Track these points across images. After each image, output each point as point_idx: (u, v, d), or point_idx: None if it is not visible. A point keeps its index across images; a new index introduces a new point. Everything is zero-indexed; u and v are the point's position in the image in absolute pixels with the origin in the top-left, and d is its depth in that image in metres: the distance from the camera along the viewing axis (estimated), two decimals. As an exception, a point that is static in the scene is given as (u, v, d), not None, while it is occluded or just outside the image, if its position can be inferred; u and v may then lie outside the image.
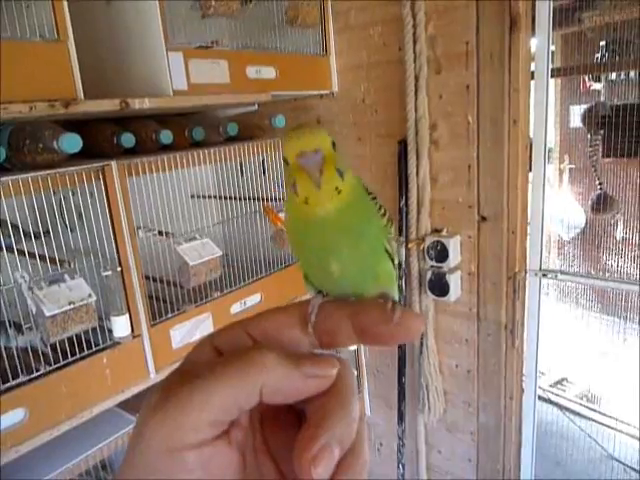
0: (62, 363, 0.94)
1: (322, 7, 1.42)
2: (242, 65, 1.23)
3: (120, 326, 1.01)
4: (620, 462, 2.12)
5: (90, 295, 0.93)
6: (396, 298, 0.34)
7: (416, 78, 1.30)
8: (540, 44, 1.21)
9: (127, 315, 1.02)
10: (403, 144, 1.39)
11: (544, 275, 1.30)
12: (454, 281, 1.38)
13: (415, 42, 1.28)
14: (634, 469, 2.05)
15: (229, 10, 1.17)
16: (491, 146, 1.26)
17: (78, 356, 0.96)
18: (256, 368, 0.24)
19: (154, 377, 1.09)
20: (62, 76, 0.89)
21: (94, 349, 0.98)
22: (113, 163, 0.98)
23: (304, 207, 0.30)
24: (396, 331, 0.29)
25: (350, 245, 0.32)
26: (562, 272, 1.30)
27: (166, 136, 1.17)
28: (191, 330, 1.16)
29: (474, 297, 1.39)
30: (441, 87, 1.30)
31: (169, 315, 1.12)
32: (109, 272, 0.98)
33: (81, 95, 0.91)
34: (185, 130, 1.26)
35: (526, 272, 1.33)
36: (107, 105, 0.96)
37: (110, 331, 1.01)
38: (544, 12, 1.17)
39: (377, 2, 1.35)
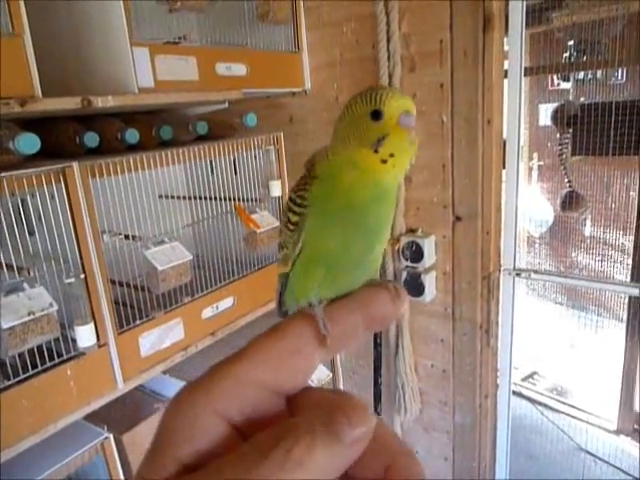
0: (23, 376, 0.89)
1: (294, 3, 1.39)
2: (211, 62, 1.19)
3: (85, 335, 0.96)
4: (591, 454, 2.16)
5: (51, 304, 0.88)
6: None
7: (390, 76, 1.29)
8: (513, 43, 1.20)
9: (92, 324, 0.97)
10: (377, 143, 1.37)
11: (518, 274, 1.31)
12: (429, 281, 1.37)
13: (389, 40, 1.26)
14: (604, 461, 2.10)
15: (197, 4, 1.13)
16: (465, 145, 1.25)
17: (40, 368, 0.91)
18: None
19: (122, 387, 1.04)
20: (18, 72, 0.83)
21: (57, 360, 0.93)
22: (75, 164, 0.92)
23: (378, 167, 0.29)
24: (399, 306, 0.28)
25: (389, 220, 0.31)
26: (536, 271, 1.30)
27: (132, 135, 1.12)
28: (161, 337, 1.12)
29: (449, 297, 1.38)
30: (415, 85, 1.28)
31: (137, 322, 1.07)
32: (72, 279, 0.93)
33: (39, 93, 0.86)
34: (152, 129, 1.21)
35: (500, 271, 1.33)
36: (67, 103, 0.91)
37: (74, 341, 0.96)
38: (517, 11, 1.17)
39: (350, -1, 1.33)
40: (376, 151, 0.29)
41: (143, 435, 1.16)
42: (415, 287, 1.38)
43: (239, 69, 1.26)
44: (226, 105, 1.37)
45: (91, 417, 1.04)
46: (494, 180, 1.25)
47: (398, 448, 0.23)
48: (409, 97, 0.29)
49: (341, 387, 1.63)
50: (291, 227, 0.31)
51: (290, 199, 0.32)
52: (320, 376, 1.56)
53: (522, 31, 1.19)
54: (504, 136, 1.28)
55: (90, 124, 1.11)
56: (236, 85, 1.24)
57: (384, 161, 0.29)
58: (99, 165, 0.97)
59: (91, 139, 1.06)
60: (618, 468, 2.06)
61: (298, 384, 0.25)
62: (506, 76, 1.26)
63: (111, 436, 1.05)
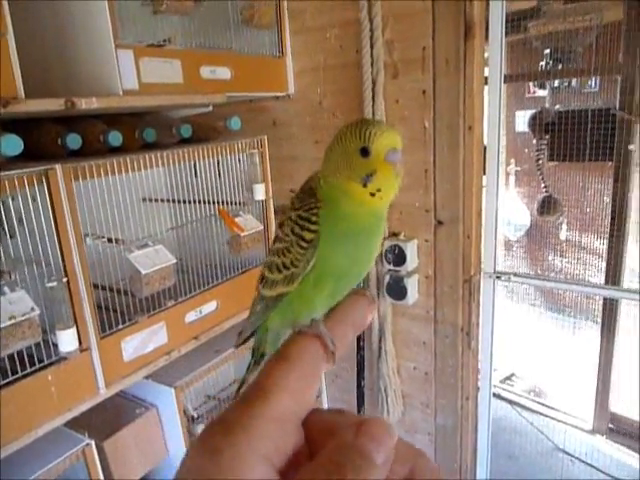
0: (3, 382, 0.87)
1: (278, 8, 1.39)
2: (196, 65, 1.19)
3: (66, 340, 0.94)
4: (568, 454, 2.21)
5: (33, 309, 0.86)
6: None
7: (373, 82, 1.30)
8: (493, 51, 1.23)
9: (74, 328, 0.95)
10: (361, 148, 1.38)
11: (498, 277, 1.33)
12: (412, 285, 1.38)
13: (372, 46, 1.28)
14: (581, 460, 2.14)
15: (182, 7, 1.13)
16: (447, 151, 1.27)
17: (20, 374, 0.89)
18: None
19: (104, 392, 1.03)
20: (1, 73, 0.82)
21: (38, 366, 0.91)
22: (58, 166, 0.91)
23: (367, 200, 0.32)
24: (373, 309, 0.32)
25: (382, 235, 0.35)
26: (515, 274, 1.33)
27: (115, 137, 1.11)
28: (144, 341, 1.11)
29: (431, 300, 1.40)
30: (398, 92, 1.30)
31: (120, 326, 1.06)
32: (54, 283, 0.92)
33: (22, 94, 0.84)
34: (135, 131, 1.20)
35: (481, 274, 1.35)
36: (51, 105, 0.89)
37: (56, 346, 0.94)
38: (497, 19, 1.19)
39: (334, 5, 1.34)
40: (365, 185, 0.31)
41: (125, 441, 1.14)
42: (397, 290, 1.39)
43: (223, 72, 1.26)
44: (210, 108, 1.37)
45: (71, 423, 1.02)
46: (475, 185, 1.27)
47: (413, 451, 0.24)
48: (396, 131, 0.32)
49: (324, 390, 1.64)
50: (305, 245, 0.32)
51: (301, 218, 0.33)
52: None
53: (502, 39, 1.21)
54: (484, 142, 1.31)
55: (72, 126, 1.09)
56: (220, 88, 1.24)
57: (372, 194, 0.32)
58: (82, 167, 0.96)
59: (73, 141, 1.04)
60: (594, 467, 2.11)
61: (311, 406, 0.26)
62: (486, 83, 1.28)
63: (92, 442, 1.04)
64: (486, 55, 1.26)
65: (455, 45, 1.20)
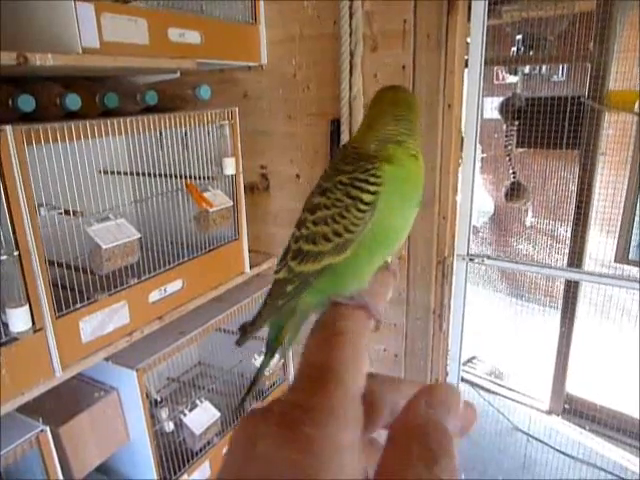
0: (-56, 365, 0.79)
1: (252, -29, 1.32)
2: (163, 26, 1.11)
3: (18, 319, 0.87)
4: (524, 432, 2.27)
5: (-20, 284, 0.78)
6: None
7: (351, 55, 1.25)
8: (475, 31, 1.20)
9: (27, 306, 0.88)
10: (336, 123, 1.33)
11: (471, 260, 1.32)
12: (385, 266, 1.36)
13: (351, 17, 1.22)
14: (537, 439, 2.21)
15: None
16: (425, 129, 1.24)
17: (-35, 356, 0.81)
18: None
19: (60, 375, 0.96)
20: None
21: (-14, 347, 0.84)
22: (8, 128, 0.83)
23: (418, 163, 0.34)
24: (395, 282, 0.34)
25: None
26: (489, 257, 1.32)
27: (73, 101, 1.01)
28: (104, 321, 1.04)
29: (404, 282, 1.38)
30: (376, 66, 1.25)
31: (77, 305, 0.99)
32: (4, 257, 0.84)
33: (-34, 43, 0.75)
34: (96, 96, 1.11)
35: (454, 256, 1.34)
36: (1, 59, 0.80)
37: (6, 325, 0.87)
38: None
39: (312, -29, 1.27)
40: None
41: (83, 427, 1.08)
42: (370, 272, 1.36)
43: (193, 37, 1.18)
44: (177, 75, 1.28)
45: (24, 408, 0.95)
46: (452, 164, 1.25)
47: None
48: None
49: (291, 371, 1.60)
50: (364, 207, 0.31)
51: (359, 180, 0.31)
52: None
53: (484, 19, 1.18)
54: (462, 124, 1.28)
55: (25, 87, 1.00)
56: (189, 53, 1.17)
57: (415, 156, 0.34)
58: (36, 131, 0.87)
59: (26, 103, 0.95)
60: (549, 445, 2.18)
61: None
62: (466, 66, 1.25)
63: (47, 429, 0.96)
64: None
65: (437, 20, 1.16)
